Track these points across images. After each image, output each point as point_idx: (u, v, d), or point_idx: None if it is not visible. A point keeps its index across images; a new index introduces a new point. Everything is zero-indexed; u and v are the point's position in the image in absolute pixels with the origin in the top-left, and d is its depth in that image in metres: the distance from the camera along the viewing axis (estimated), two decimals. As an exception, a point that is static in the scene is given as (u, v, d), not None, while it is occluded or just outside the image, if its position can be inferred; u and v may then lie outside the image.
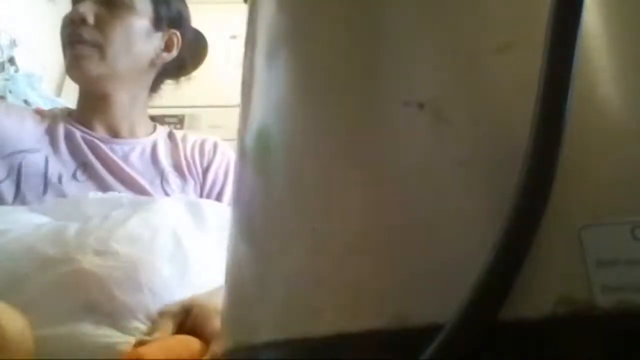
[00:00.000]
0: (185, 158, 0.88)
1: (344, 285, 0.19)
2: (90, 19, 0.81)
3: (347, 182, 0.21)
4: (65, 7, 0.89)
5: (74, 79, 0.86)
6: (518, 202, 0.17)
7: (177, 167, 0.86)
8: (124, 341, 0.51)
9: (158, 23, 0.88)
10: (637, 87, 0.20)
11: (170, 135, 0.92)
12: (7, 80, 1.69)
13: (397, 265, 0.19)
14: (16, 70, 1.81)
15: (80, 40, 0.81)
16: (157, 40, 0.88)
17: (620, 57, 0.20)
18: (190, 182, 0.86)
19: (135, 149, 0.86)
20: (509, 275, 0.17)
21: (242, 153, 0.28)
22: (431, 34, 0.22)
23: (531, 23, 0.20)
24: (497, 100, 0.20)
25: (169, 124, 1.79)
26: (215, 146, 0.92)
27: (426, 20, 0.22)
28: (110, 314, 0.52)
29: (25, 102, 1.65)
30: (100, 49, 0.82)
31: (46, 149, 0.80)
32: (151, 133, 0.91)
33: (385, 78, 0.22)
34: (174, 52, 0.91)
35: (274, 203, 0.24)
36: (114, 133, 0.87)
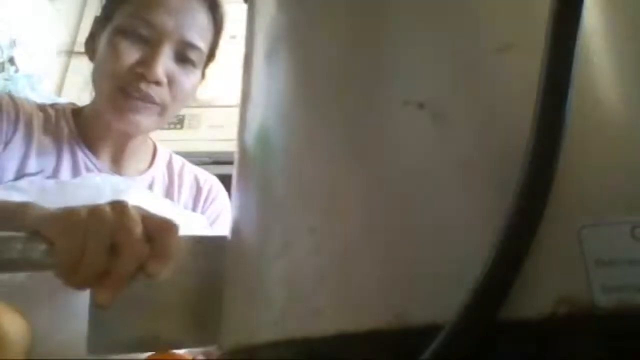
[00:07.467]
0: (179, 201, 0.86)
1: (344, 285, 0.19)
2: (164, 81, 0.77)
3: (347, 182, 0.21)
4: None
5: (121, 126, 0.79)
6: (518, 202, 0.17)
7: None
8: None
9: (204, 70, 0.86)
10: (637, 87, 0.20)
11: (169, 165, 0.90)
12: (7, 80, 1.70)
13: (397, 265, 0.19)
14: (16, 70, 1.81)
15: (149, 100, 0.76)
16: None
17: (620, 57, 0.20)
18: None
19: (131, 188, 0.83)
20: (509, 275, 0.17)
21: (242, 153, 0.28)
22: (431, 34, 0.22)
23: (531, 23, 0.20)
24: (497, 100, 0.20)
25: (169, 123, 1.79)
26: (209, 192, 0.89)
27: (426, 20, 0.22)
28: None
29: (25, 102, 1.65)
30: (163, 107, 0.79)
31: (47, 170, 0.76)
32: (150, 164, 0.88)
33: (385, 78, 0.22)
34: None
35: (274, 203, 0.24)
36: (115, 163, 0.84)
